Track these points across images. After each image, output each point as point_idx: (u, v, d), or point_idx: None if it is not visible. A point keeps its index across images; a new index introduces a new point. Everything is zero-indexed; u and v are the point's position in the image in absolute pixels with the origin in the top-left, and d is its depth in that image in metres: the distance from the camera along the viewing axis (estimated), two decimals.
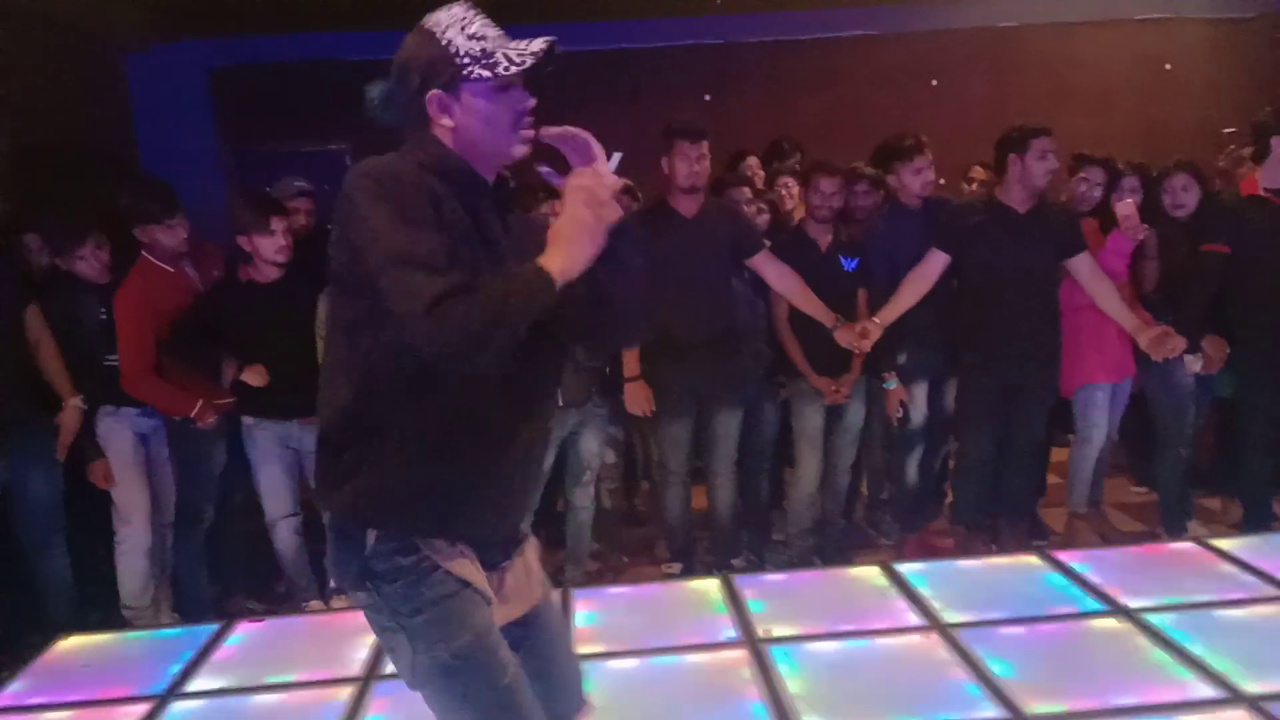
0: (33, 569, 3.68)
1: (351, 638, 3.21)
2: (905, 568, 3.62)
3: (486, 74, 1.56)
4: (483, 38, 1.58)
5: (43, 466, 3.63)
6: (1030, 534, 4.19)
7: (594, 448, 3.95)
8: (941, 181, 4.90)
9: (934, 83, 6.87)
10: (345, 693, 2.92)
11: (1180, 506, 4.18)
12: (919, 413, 4.11)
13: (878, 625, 3.18)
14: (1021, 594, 3.36)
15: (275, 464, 3.74)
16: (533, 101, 1.62)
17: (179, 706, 2.95)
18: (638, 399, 3.81)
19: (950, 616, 3.18)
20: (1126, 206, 3.86)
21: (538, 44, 1.57)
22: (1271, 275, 3.84)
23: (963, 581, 3.53)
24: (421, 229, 1.45)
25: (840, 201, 3.99)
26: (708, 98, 6.73)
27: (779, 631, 3.15)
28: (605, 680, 2.84)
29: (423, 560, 1.57)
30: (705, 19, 6.65)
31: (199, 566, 3.94)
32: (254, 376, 3.63)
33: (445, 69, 1.57)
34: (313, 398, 1.63)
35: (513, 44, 1.59)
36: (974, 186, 4.92)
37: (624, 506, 4.66)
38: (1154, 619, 3.06)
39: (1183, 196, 4.04)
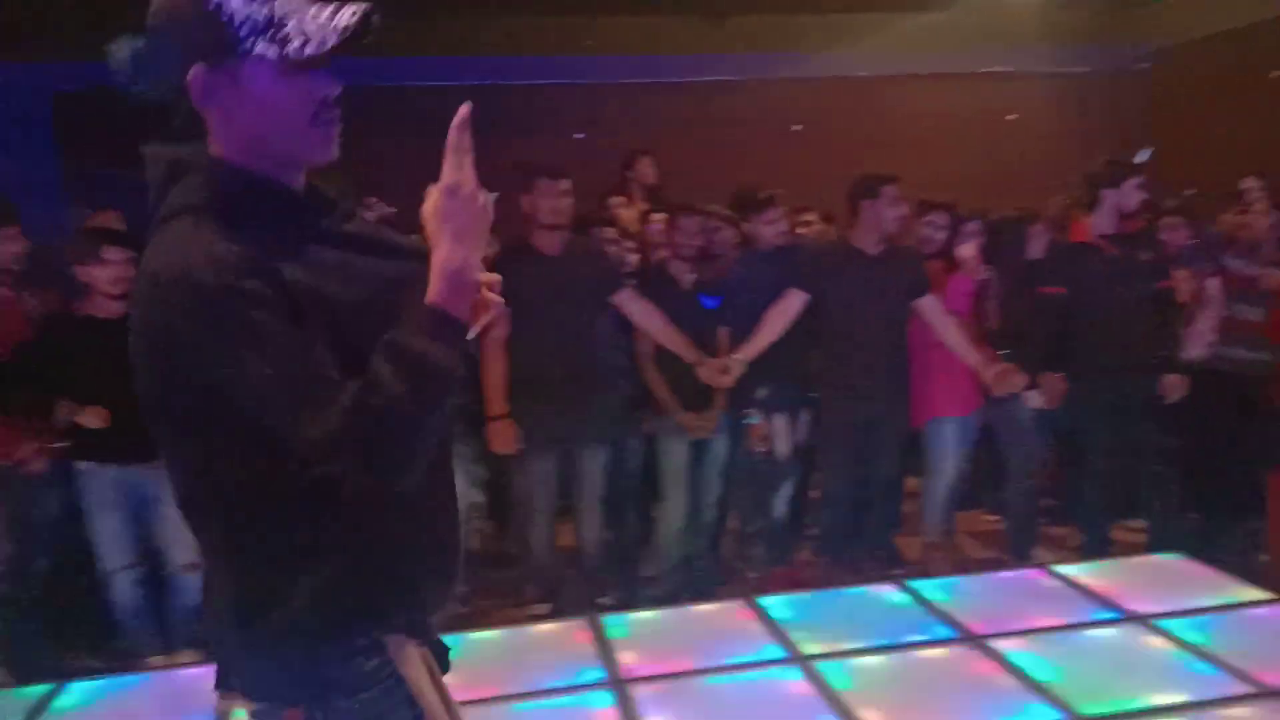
0: None
1: (196, 696, 3.02)
2: (769, 601, 3.67)
3: (272, 51, 1.19)
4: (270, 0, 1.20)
5: None
6: (888, 563, 4.32)
7: (460, 489, 3.86)
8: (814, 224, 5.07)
9: (797, 128, 7.14)
10: None
11: (1027, 534, 4.39)
12: (783, 445, 4.20)
13: (743, 660, 3.21)
14: (879, 623, 3.46)
15: (113, 511, 3.51)
16: (337, 88, 1.25)
17: None
18: (503, 437, 3.76)
19: (810, 648, 3.25)
20: (968, 249, 4.08)
21: (347, 15, 1.20)
22: (1102, 316, 4.09)
23: (823, 612, 3.60)
24: (288, 340, 1.15)
25: (701, 240, 4.07)
26: (579, 136, 6.80)
27: (646, 671, 3.14)
28: None
29: (385, 666, 1.30)
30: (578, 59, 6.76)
31: (30, 622, 3.66)
32: (93, 418, 3.41)
33: (213, 37, 1.18)
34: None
35: (313, 11, 1.21)
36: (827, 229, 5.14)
37: (494, 547, 4.58)
38: (1000, 645, 3.20)
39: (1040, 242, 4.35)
